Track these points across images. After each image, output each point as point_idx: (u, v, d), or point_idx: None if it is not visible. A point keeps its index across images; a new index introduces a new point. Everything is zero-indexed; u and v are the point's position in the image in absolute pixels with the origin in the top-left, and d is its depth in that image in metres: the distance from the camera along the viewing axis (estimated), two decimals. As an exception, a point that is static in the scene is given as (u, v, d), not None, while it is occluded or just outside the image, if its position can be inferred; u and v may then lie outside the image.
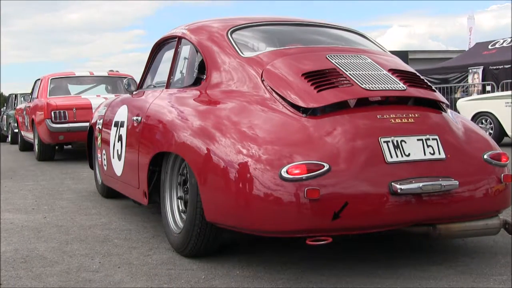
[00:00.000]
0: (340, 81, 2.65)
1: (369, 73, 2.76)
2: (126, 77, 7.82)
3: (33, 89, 10.13)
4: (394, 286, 2.38)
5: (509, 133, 8.98)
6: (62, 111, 8.14)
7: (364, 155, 2.39)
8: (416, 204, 2.39)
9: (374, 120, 2.52)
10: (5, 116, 16.26)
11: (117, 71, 10.11)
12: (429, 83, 2.90)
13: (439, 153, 2.51)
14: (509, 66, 13.85)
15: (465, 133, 2.74)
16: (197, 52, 3.32)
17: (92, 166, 5.15)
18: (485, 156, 2.63)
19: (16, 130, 12.26)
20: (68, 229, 3.62)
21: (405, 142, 2.48)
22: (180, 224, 2.97)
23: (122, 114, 3.90)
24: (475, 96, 11.71)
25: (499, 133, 9.13)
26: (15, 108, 13.25)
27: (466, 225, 2.53)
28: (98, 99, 8.18)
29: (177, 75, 3.60)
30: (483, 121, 9.43)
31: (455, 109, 11.66)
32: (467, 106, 9.80)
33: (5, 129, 16.33)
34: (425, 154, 2.49)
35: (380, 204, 2.35)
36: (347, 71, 2.73)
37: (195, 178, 2.64)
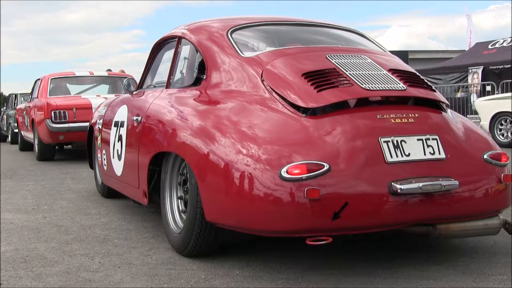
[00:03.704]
0: (340, 81, 2.65)
1: (369, 73, 2.76)
2: (126, 77, 7.85)
3: (33, 89, 10.13)
4: (394, 286, 2.38)
5: None
6: (62, 111, 8.14)
7: (364, 155, 2.39)
8: (416, 204, 2.39)
9: (374, 120, 2.52)
10: (5, 116, 16.26)
11: (110, 70, 10.09)
12: (429, 83, 2.90)
13: (439, 153, 2.51)
14: (509, 66, 13.85)
15: (465, 133, 2.74)
16: (197, 52, 3.32)
17: (92, 166, 5.15)
18: (485, 156, 2.63)
19: (16, 130, 12.25)
20: (68, 229, 3.62)
21: (405, 142, 2.48)
22: (180, 224, 2.97)
23: (122, 114, 3.90)
24: (495, 95, 11.10)
25: None
26: (15, 108, 13.24)
27: (466, 225, 2.53)
28: (98, 99, 8.18)
29: (177, 75, 3.60)
30: (503, 121, 8.99)
31: (459, 109, 11.57)
32: (486, 106, 9.32)
33: (5, 129, 16.32)
34: (425, 154, 2.49)
35: (380, 204, 2.35)
36: (347, 71, 2.73)
37: (195, 178, 2.64)
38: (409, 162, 2.44)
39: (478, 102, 9.79)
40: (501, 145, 8.57)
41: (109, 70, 10.15)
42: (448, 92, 14.18)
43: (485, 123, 9.09)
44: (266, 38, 3.44)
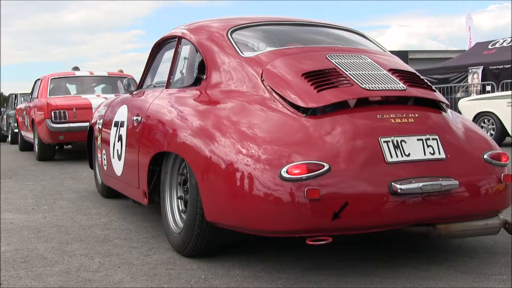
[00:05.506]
0: (340, 81, 2.65)
1: (369, 73, 2.76)
2: (125, 77, 7.86)
3: (33, 89, 10.13)
4: (394, 286, 2.38)
5: (511, 133, 8.95)
6: (62, 111, 8.14)
7: (364, 155, 2.39)
8: (416, 204, 2.39)
9: (374, 120, 2.52)
10: (5, 116, 16.28)
11: (100, 70, 10.02)
12: (429, 83, 2.90)
13: (439, 153, 2.51)
14: (509, 66, 13.84)
15: (465, 133, 2.74)
16: (197, 52, 3.32)
17: (92, 166, 5.15)
18: (485, 156, 2.63)
19: (16, 130, 12.26)
20: (68, 229, 3.62)
21: (405, 142, 2.48)
22: (180, 224, 2.97)
23: (122, 114, 3.90)
24: (477, 96, 11.64)
25: (501, 133, 9.11)
26: (15, 108, 13.25)
27: (466, 225, 2.53)
28: (98, 99, 8.18)
29: (177, 75, 3.60)
30: (485, 121, 9.38)
31: (456, 109, 11.60)
32: (469, 106, 9.74)
33: (5, 129, 16.33)
34: (425, 154, 2.49)
35: (380, 204, 2.35)
36: (347, 71, 2.73)
37: (195, 178, 2.64)
38: (409, 162, 2.44)
39: (461, 102, 10.16)
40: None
41: (76, 68, 9.96)
42: (448, 92, 14.17)
43: None
44: (266, 38, 3.44)
